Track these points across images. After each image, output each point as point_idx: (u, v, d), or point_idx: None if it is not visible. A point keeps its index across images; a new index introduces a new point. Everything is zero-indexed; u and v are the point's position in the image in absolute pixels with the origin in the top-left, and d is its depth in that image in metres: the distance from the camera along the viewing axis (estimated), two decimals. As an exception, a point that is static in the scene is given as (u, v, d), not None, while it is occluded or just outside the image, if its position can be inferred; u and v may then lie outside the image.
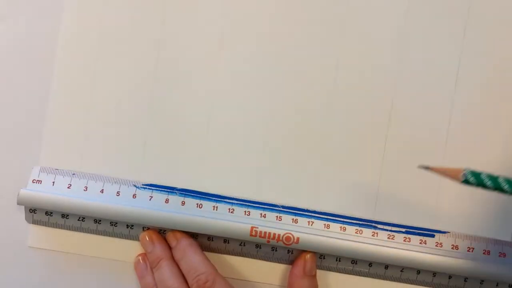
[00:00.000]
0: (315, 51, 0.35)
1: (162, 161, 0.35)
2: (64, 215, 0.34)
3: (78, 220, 0.34)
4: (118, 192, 0.34)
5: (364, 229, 0.34)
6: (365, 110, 0.35)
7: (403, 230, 0.34)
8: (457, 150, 0.35)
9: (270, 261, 0.35)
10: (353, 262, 0.34)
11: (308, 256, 0.33)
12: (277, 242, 0.33)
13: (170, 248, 0.34)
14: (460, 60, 0.35)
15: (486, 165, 0.34)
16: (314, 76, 0.35)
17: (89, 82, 0.34)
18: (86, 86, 0.34)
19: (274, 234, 0.33)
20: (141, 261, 0.34)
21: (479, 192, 0.28)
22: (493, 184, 0.26)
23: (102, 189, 0.34)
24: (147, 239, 0.34)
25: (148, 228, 0.34)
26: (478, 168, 0.27)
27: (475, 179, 0.26)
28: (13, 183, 0.34)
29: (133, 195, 0.34)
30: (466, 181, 0.26)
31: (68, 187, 0.33)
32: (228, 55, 0.35)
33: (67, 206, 0.33)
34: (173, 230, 0.33)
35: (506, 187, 0.26)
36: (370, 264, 0.34)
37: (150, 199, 0.34)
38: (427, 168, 0.28)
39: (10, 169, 0.35)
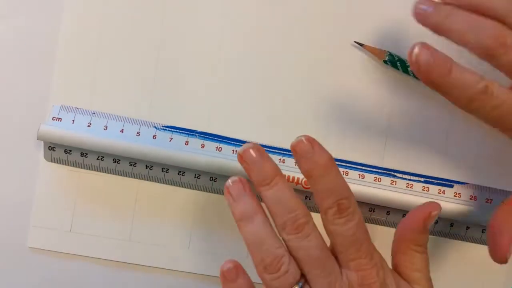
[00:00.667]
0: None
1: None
2: (83, 154, 0.34)
3: (97, 159, 0.34)
4: (138, 133, 0.34)
5: (383, 177, 0.34)
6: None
7: (422, 179, 0.34)
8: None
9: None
10: (370, 210, 0.34)
11: (434, 213, 0.29)
12: (296, 185, 0.33)
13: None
14: None
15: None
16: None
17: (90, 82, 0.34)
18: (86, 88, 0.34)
19: (293, 177, 0.33)
20: (238, 180, 0.28)
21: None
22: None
23: (122, 129, 0.34)
24: (255, 151, 0.27)
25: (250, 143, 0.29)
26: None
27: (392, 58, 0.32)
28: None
29: (153, 136, 0.34)
30: (386, 62, 0.33)
31: (88, 126, 0.33)
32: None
33: (87, 143, 0.33)
34: (304, 136, 0.27)
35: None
36: (388, 212, 0.34)
37: (170, 141, 0.34)
38: (361, 44, 0.33)
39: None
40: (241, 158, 0.28)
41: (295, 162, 0.27)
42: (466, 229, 0.34)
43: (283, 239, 0.27)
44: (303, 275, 0.27)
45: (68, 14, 0.34)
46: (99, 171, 0.34)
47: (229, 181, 0.28)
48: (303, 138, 0.27)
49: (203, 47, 0.35)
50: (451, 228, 0.34)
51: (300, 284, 0.27)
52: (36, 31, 0.34)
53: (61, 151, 0.34)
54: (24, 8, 0.34)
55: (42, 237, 0.34)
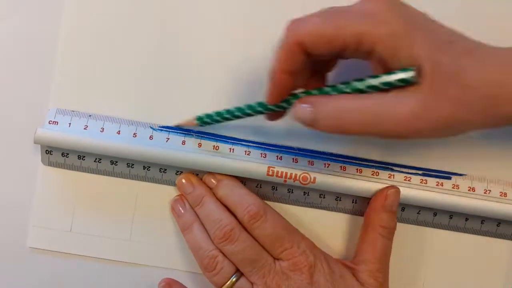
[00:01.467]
0: None
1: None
2: (81, 156, 0.34)
3: (95, 161, 0.34)
4: (135, 134, 0.34)
5: (381, 171, 0.34)
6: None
7: (420, 172, 0.34)
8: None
9: (286, 203, 0.35)
10: (368, 203, 0.34)
11: (390, 191, 0.32)
12: (293, 182, 0.33)
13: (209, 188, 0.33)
14: None
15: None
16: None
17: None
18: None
19: (291, 174, 0.33)
20: (179, 200, 0.34)
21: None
22: (219, 116, 0.31)
23: (119, 131, 0.34)
24: (185, 181, 0.33)
25: (182, 173, 0.34)
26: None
27: (207, 119, 0.32)
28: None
29: (150, 137, 0.34)
30: (201, 124, 0.32)
31: (84, 128, 0.33)
32: None
33: (84, 145, 0.33)
34: (209, 172, 0.33)
35: (227, 115, 0.31)
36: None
37: (166, 141, 0.34)
38: (177, 126, 0.34)
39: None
40: (178, 187, 0.34)
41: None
42: (465, 220, 0.34)
43: (219, 248, 0.31)
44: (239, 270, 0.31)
45: (67, 17, 0.34)
46: (96, 173, 0.34)
47: (172, 199, 0.34)
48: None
49: (202, 48, 0.35)
50: (450, 220, 0.35)
51: (235, 277, 0.31)
52: (34, 33, 0.35)
53: (58, 155, 0.34)
54: (23, 9, 0.34)
55: (42, 237, 0.34)
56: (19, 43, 0.35)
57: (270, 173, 0.33)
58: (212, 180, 0.33)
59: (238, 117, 0.31)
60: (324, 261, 0.31)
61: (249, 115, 0.31)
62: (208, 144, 0.34)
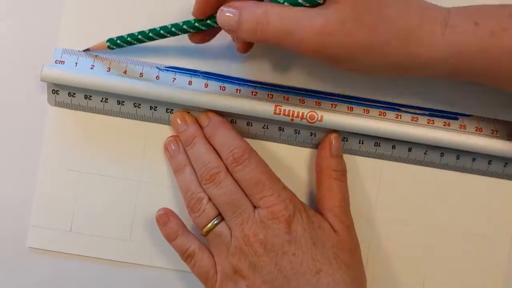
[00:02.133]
0: None
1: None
2: (87, 96, 0.34)
3: (101, 101, 0.34)
4: (141, 74, 0.34)
5: (388, 112, 0.34)
6: None
7: (427, 112, 0.34)
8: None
9: (293, 145, 0.35)
10: (376, 144, 0.34)
11: (333, 135, 0.33)
12: (301, 120, 0.33)
13: (202, 128, 0.33)
14: None
15: None
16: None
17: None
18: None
19: (298, 112, 0.33)
20: (172, 140, 0.34)
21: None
22: (135, 38, 0.32)
23: (125, 70, 0.34)
24: (180, 119, 0.33)
25: (177, 111, 0.34)
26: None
27: (118, 41, 0.32)
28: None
29: (156, 77, 0.34)
30: (112, 47, 0.32)
31: (91, 68, 0.33)
32: None
33: (91, 83, 0.33)
34: (204, 111, 0.33)
35: (140, 36, 0.31)
36: (394, 147, 0.34)
37: (173, 81, 0.34)
38: (87, 49, 0.33)
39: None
40: (172, 125, 0.34)
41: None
42: (472, 161, 0.34)
43: (204, 189, 0.32)
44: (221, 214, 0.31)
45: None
46: (103, 113, 0.34)
47: (167, 139, 0.34)
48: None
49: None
50: (458, 160, 0.34)
51: (216, 220, 0.31)
52: (36, 32, 0.34)
53: (64, 94, 0.34)
54: (24, 8, 0.34)
55: (42, 237, 0.34)
56: (18, 45, 0.34)
57: (277, 111, 0.33)
58: (204, 119, 0.33)
59: (154, 37, 0.31)
60: (304, 212, 0.31)
61: (173, 33, 0.31)
62: (215, 84, 0.34)
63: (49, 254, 0.34)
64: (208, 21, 0.30)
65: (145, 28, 0.32)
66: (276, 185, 0.31)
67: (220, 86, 0.34)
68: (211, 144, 0.33)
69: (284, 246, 0.30)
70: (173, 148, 0.34)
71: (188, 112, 0.34)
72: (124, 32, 0.32)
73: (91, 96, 0.34)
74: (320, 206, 0.33)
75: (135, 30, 0.32)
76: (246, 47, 0.31)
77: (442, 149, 0.34)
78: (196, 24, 0.30)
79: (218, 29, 0.31)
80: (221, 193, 0.31)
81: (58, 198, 0.34)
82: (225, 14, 0.28)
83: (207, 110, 0.33)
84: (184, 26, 0.30)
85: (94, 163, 0.35)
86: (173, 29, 0.31)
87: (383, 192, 0.35)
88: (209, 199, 0.32)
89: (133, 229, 0.34)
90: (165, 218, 0.33)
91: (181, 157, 0.33)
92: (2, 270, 0.35)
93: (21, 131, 0.35)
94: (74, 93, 0.34)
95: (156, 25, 0.31)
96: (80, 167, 0.35)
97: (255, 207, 0.31)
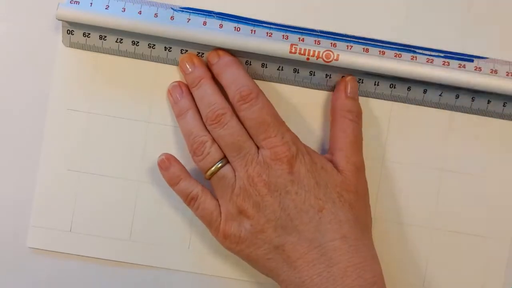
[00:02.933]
0: None
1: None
2: (102, 36, 0.34)
3: (116, 41, 0.34)
4: (155, 14, 0.33)
5: (403, 53, 0.34)
6: None
7: (442, 54, 0.34)
8: None
9: (308, 87, 0.35)
10: (391, 86, 0.34)
11: (349, 78, 0.33)
12: (316, 59, 0.33)
13: (210, 70, 0.33)
14: None
15: None
16: None
17: None
18: None
19: (314, 51, 0.33)
20: (176, 85, 0.34)
21: None
22: None
23: (140, 11, 0.33)
24: (187, 61, 0.33)
25: (186, 53, 0.34)
26: None
27: None
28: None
29: (171, 17, 0.33)
30: None
31: (106, 8, 0.33)
32: None
33: (106, 22, 0.32)
34: (214, 50, 0.33)
35: None
36: (409, 88, 0.34)
37: (187, 21, 0.33)
38: None
39: None
40: (179, 67, 0.34)
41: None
42: (488, 103, 0.34)
43: (209, 130, 0.32)
44: (226, 157, 0.31)
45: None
46: (118, 54, 0.34)
47: (170, 84, 0.34)
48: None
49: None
50: (473, 102, 0.34)
51: (220, 163, 0.31)
52: (36, 32, 0.34)
53: (79, 35, 0.34)
54: (24, 9, 0.34)
55: (42, 237, 0.34)
56: (18, 45, 0.35)
57: (293, 50, 0.33)
58: (214, 57, 0.33)
59: None
60: (306, 154, 0.31)
61: None
62: (230, 25, 0.34)
63: (49, 254, 0.34)
64: None
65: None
66: (280, 126, 0.31)
67: (235, 27, 0.34)
68: (217, 85, 0.33)
69: (287, 186, 0.30)
70: (177, 92, 0.33)
71: (197, 55, 0.34)
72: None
73: (106, 37, 0.34)
74: (332, 146, 0.33)
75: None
76: None
77: (457, 90, 0.34)
78: None
79: None
80: (227, 134, 0.31)
81: (58, 198, 0.34)
82: None
83: (217, 48, 0.33)
84: None
85: (102, 105, 0.35)
86: None
87: (393, 134, 0.35)
88: (213, 141, 0.32)
89: (133, 229, 0.34)
90: (166, 163, 0.33)
91: (184, 101, 0.33)
92: (2, 270, 0.35)
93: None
94: (89, 34, 0.34)
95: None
96: (90, 108, 0.34)
97: (258, 148, 0.31)
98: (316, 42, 0.34)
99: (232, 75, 0.32)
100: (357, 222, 0.30)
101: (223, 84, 0.32)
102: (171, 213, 0.35)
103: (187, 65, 0.33)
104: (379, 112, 0.35)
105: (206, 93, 0.32)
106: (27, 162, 0.34)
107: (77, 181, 0.34)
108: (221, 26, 0.34)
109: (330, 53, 0.33)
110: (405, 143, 0.35)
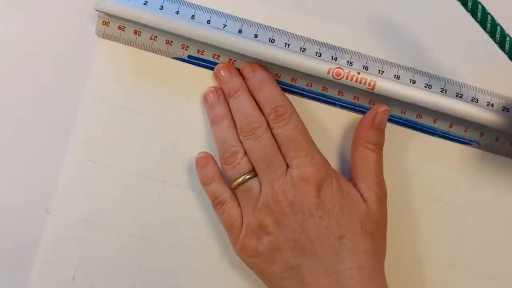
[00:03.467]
0: None
1: None
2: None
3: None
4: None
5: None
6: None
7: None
8: None
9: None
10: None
11: (382, 109, 0.32)
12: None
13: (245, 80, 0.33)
14: None
15: None
16: None
17: None
18: None
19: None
20: (213, 90, 0.34)
21: None
22: None
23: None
24: (224, 70, 0.33)
25: (223, 63, 0.34)
26: None
27: None
28: None
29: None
30: None
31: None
32: None
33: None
34: (249, 62, 0.33)
35: None
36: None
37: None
38: None
39: None
40: (215, 75, 0.34)
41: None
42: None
43: (242, 141, 0.32)
44: (255, 170, 0.32)
45: None
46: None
47: (208, 89, 0.34)
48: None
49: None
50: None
51: (248, 175, 0.31)
52: (36, 32, 0.34)
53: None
54: (23, 9, 0.34)
55: (43, 285, 0.34)
56: (18, 45, 0.35)
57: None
58: (249, 70, 0.33)
59: None
60: (334, 178, 0.31)
61: None
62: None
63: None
64: None
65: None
66: (311, 147, 0.31)
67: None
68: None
69: (312, 209, 0.30)
70: (213, 98, 0.33)
71: (233, 66, 0.34)
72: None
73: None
74: (353, 174, 0.33)
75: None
76: None
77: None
78: None
79: None
80: (259, 147, 0.31)
81: (62, 248, 0.34)
82: None
83: (252, 62, 0.33)
84: None
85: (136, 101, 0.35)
86: None
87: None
88: (244, 153, 0.32)
89: (136, 281, 0.34)
90: (204, 161, 0.33)
91: (220, 108, 0.33)
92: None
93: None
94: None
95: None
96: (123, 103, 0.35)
97: (288, 166, 0.31)
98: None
99: (269, 93, 0.32)
100: (374, 253, 0.30)
101: (259, 100, 0.32)
102: (176, 268, 0.34)
103: (224, 74, 0.33)
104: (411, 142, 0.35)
105: (243, 105, 0.32)
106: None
107: (83, 232, 0.34)
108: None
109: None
110: (431, 176, 0.35)
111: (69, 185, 0.34)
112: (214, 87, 0.34)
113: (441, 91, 0.33)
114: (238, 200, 0.32)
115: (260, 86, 0.32)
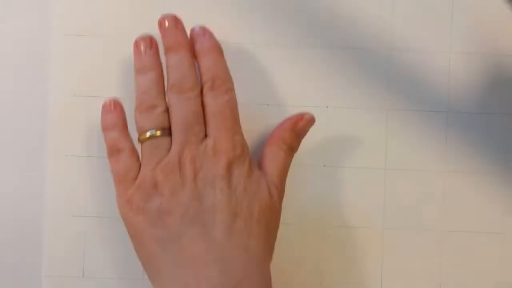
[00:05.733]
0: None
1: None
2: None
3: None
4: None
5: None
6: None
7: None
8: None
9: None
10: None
11: (308, 117, 0.32)
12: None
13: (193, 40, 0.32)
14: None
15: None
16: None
17: None
18: None
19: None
20: (146, 38, 0.31)
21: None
22: None
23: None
24: (170, 20, 0.31)
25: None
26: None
27: None
28: None
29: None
30: None
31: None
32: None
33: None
34: (201, 26, 0.32)
35: None
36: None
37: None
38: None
39: None
40: (159, 24, 0.31)
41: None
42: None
43: (168, 98, 0.30)
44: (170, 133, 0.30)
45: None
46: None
47: (139, 36, 0.31)
48: (197, 27, 0.32)
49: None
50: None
51: (161, 132, 0.30)
52: (35, 32, 0.34)
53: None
54: (23, 9, 0.34)
55: (55, 286, 0.34)
56: (18, 45, 0.34)
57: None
58: (200, 34, 0.32)
59: None
60: (248, 161, 0.30)
61: None
62: None
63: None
64: None
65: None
66: (236, 127, 0.30)
67: None
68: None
69: (216, 180, 0.29)
70: (143, 46, 0.31)
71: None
72: None
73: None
74: (262, 169, 0.32)
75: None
76: None
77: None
78: None
79: None
80: (185, 108, 0.30)
81: (66, 245, 0.34)
82: None
83: (204, 26, 0.32)
84: None
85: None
86: None
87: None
88: (165, 111, 0.30)
89: None
90: (111, 106, 0.32)
91: (150, 59, 0.31)
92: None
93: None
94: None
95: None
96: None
97: (206, 136, 0.30)
98: None
99: (212, 61, 0.31)
100: (265, 243, 0.30)
101: (199, 65, 0.31)
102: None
103: (168, 24, 0.31)
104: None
105: (182, 63, 0.31)
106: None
107: (84, 225, 0.34)
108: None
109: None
110: (404, 148, 0.35)
111: (56, 184, 0.34)
112: (147, 34, 0.32)
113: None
114: (138, 154, 0.31)
115: (206, 52, 0.31)
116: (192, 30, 0.32)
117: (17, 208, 0.34)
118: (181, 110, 0.30)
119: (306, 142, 0.34)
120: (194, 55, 0.32)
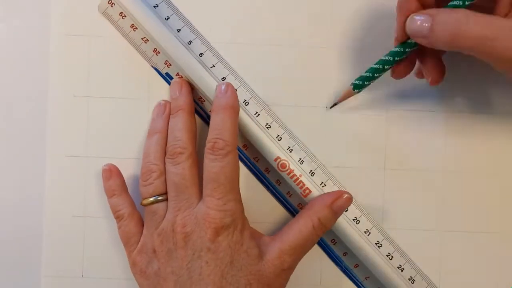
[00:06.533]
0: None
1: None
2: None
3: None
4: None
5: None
6: None
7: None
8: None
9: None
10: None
11: (347, 196, 0.32)
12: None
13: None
14: None
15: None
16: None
17: None
18: None
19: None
20: (161, 103, 0.34)
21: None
22: (373, 71, 0.31)
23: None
24: (176, 85, 0.33)
25: (179, 77, 0.34)
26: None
27: (361, 81, 0.31)
28: None
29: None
30: (356, 88, 0.32)
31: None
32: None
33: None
34: (226, 82, 0.32)
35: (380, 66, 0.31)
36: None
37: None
38: (334, 105, 0.34)
39: None
40: (170, 89, 0.34)
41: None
42: None
43: (165, 162, 0.32)
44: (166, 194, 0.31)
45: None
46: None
47: (158, 102, 0.34)
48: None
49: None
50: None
51: (159, 197, 0.31)
52: (35, 32, 0.34)
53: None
54: (23, 9, 0.34)
55: (55, 286, 0.34)
56: (18, 45, 0.35)
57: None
58: (220, 91, 0.31)
59: (384, 69, 0.31)
60: (238, 231, 0.30)
61: (392, 63, 0.30)
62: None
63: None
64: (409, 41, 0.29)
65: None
66: (230, 193, 0.30)
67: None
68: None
69: (202, 251, 0.30)
70: (158, 111, 0.34)
71: (189, 84, 0.34)
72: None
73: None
74: (280, 233, 0.31)
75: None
76: (439, 75, 0.31)
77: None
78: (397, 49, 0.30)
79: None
80: (175, 173, 0.31)
81: (66, 245, 0.34)
82: (416, 21, 0.28)
83: (229, 83, 0.32)
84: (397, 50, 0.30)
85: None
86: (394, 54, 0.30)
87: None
88: (161, 174, 0.32)
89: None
90: (108, 173, 0.33)
91: (158, 123, 0.33)
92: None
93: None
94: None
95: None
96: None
97: (200, 199, 0.31)
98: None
99: (220, 121, 0.31)
100: None
101: (210, 122, 0.31)
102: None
103: (173, 89, 0.33)
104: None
105: (177, 126, 0.32)
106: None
107: (83, 224, 0.34)
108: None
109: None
110: (404, 148, 0.35)
111: (56, 184, 0.34)
112: (164, 100, 0.34)
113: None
114: (141, 217, 0.33)
115: (219, 110, 0.31)
116: (217, 87, 0.32)
117: (17, 208, 0.34)
118: (173, 176, 0.31)
119: (306, 142, 0.34)
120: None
